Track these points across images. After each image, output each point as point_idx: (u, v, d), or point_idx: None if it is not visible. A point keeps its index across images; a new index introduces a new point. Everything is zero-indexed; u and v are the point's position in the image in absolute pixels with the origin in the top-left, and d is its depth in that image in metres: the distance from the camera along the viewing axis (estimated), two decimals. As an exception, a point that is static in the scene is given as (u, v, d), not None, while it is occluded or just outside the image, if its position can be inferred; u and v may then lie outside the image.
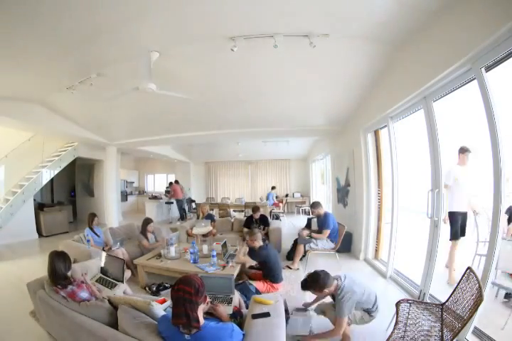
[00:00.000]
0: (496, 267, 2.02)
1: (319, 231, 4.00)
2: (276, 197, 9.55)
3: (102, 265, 2.66)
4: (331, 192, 6.53)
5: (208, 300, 1.38)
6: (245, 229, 4.84)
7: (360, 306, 2.05)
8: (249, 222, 4.84)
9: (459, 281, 1.83)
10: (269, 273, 2.94)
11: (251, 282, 2.79)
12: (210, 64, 3.13)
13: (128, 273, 3.05)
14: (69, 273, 1.96)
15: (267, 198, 8.99)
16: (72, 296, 1.79)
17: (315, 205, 4.13)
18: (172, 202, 8.72)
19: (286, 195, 10.14)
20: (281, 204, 9.12)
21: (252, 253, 3.01)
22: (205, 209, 5.35)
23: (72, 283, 1.89)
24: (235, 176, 11.47)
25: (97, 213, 4.45)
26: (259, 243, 3.04)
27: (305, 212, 9.22)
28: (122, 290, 2.42)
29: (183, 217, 8.57)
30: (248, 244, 3.09)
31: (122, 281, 2.48)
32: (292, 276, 3.49)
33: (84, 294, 1.84)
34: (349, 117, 4.57)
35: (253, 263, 3.00)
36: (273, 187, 9.41)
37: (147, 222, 4.02)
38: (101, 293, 2.15)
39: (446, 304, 1.87)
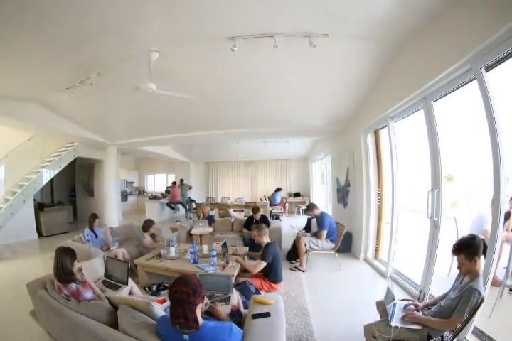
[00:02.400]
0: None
1: (319, 233, 3.99)
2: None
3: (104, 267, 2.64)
4: (331, 192, 6.54)
5: (206, 300, 1.38)
6: (245, 230, 4.85)
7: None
8: (249, 223, 4.84)
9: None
10: (269, 272, 2.91)
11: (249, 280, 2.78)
12: (210, 64, 3.13)
13: None
14: (74, 270, 1.95)
15: (274, 198, 8.96)
16: (76, 296, 1.79)
17: (310, 207, 4.22)
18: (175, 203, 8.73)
19: (290, 195, 10.12)
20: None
21: (265, 257, 2.88)
22: (205, 211, 5.36)
23: (76, 281, 1.89)
24: (235, 176, 11.47)
25: (97, 213, 4.46)
26: (267, 238, 3.04)
27: (305, 212, 9.22)
28: (127, 292, 2.41)
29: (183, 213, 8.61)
30: (256, 239, 3.08)
31: (127, 284, 2.47)
32: (292, 276, 3.49)
33: (88, 294, 1.84)
34: (349, 117, 4.57)
35: (263, 265, 2.86)
36: (279, 189, 9.34)
37: (148, 223, 4.04)
38: (104, 292, 2.15)
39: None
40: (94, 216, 3.95)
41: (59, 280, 1.86)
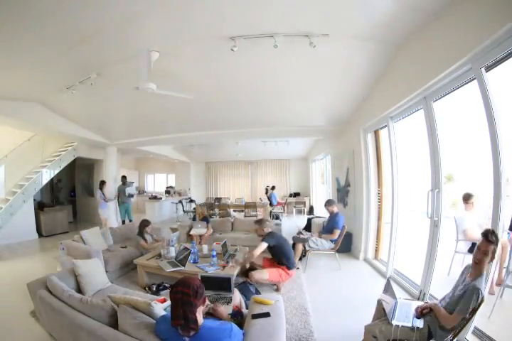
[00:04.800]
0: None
1: (330, 231, 3.98)
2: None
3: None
4: (330, 192, 6.53)
5: (208, 302, 1.37)
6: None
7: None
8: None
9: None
10: (283, 257, 3.00)
11: (264, 271, 2.93)
12: (210, 64, 3.13)
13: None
14: None
15: (270, 199, 8.94)
16: None
17: (330, 202, 4.22)
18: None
19: (291, 195, 10.12)
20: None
21: (266, 239, 3.01)
22: (201, 212, 5.37)
23: None
24: (235, 176, 11.46)
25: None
26: (268, 228, 3.14)
27: (305, 212, 9.22)
28: None
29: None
30: (259, 232, 3.18)
31: None
32: (293, 277, 3.48)
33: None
34: (349, 117, 4.57)
35: (264, 247, 2.97)
36: (273, 187, 9.36)
37: (144, 223, 4.05)
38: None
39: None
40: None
41: None
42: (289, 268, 3.00)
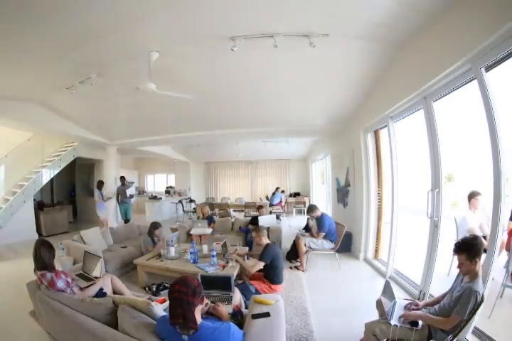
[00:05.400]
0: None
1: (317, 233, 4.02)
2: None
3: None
4: (330, 192, 6.54)
5: (206, 301, 1.37)
6: (250, 226, 4.97)
7: None
8: (255, 220, 5.07)
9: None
10: (270, 273, 2.88)
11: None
12: (210, 64, 3.12)
13: None
14: (53, 262, 2.06)
15: (272, 200, 8.93)
16: (52, 285, 1.88)
17: (311, 209, 4.20)
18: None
19: (291, 195, 10.13)
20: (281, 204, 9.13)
21: (264, 257, 2.86)
22: (205, 211, 5.36)
23: (52, 271, 1.98)
24: (235, 176, 11.47)
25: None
26: (266, 239, 3.04)
27: (304, 212, 9.22)
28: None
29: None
30: (255, 240, 3.09)
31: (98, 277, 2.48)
32: (292, 276, 3.49)
33: (60, 283, 1.92)
34: (349, 117, 4.56)
35: (261, 266, 2.85)
36: (283, 191, 9.31)
37: (155, 225, 3.97)
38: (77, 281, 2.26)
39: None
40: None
41: (37, 268, 1.98)
42: (273, 283, 2.83)
